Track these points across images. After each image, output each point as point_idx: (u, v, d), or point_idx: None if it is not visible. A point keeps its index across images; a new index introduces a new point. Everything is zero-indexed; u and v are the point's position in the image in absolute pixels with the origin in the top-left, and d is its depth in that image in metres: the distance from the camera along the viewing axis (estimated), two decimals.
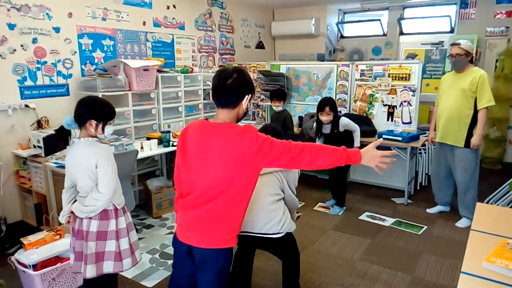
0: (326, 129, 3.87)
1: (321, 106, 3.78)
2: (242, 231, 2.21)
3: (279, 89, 4.67)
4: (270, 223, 2.23)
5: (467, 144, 3.50)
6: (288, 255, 2.43)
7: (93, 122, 2.01)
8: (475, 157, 3.57)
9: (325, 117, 3.77)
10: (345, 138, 3.86)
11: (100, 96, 3.62)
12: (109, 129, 2.10)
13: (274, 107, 4.43)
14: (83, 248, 2.06)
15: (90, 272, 2.05)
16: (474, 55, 3.55)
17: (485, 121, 3.48)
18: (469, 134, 3.49)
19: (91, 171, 2.00)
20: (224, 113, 1.64)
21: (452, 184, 3.86)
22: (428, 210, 4.06)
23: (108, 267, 2.09)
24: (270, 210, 2.24)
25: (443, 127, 3.63)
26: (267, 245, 2.35)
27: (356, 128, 3.88)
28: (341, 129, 3.83)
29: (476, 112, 3.47)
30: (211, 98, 1.67)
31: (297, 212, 2.53)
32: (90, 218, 2.05)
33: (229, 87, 1.59)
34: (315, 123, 4.00)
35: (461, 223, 3.71)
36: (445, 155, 3.76)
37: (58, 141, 2.10)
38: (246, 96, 1.64)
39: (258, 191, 2.03)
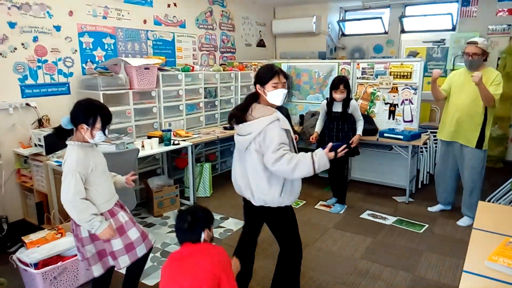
0: (338, 107, 3.90)
1: (335, 84, 3.81)
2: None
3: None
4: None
5: (479, 145, 3.46)
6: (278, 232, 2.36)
7: (84, 126, 2.00)
8: (483, 156, 3.54)
9: (339, 95, 3.81)
10: (348, 122, 3.92)
11: (101, 95, 3.63)
12: (100, 135, 2.04)
13: None
14: (83, 253, 2.11)
15: (97, 271, 2.12)
16: (488, 53, 3.45)
17: (486, 95, 3.25)
18: (482, 135, 3.44)
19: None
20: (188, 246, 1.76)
21: (456, 184, 3.87)
22: (429, 209, 4.06)
23: (111, 260, 2.15)
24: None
25: (456, 126, 3.55)
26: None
27: (361, 118, 3.96)
28: (350, 110, 3.88)
29: (486, 112, 3.41)
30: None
31: None
32: (79, 224, 2.05)
33: (187, 230, 1.74)
34: (324, 101, 4.02)
35: (463, 221, 3.71)
36: (453, 154, 3.72)
37: (58, 140, 2.09)
38: (203, 233, 1.75)
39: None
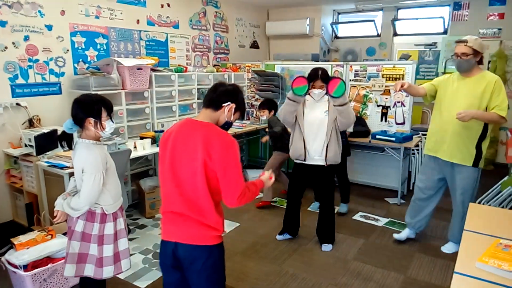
0: None
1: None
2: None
3: (264, 100, 4.42)
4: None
5: (476, 162, 2.93)
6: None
7: (92, 120, 1.97)
8: (478, 175, 3.01)
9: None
10: None
11: (98, 94, 3.60)
12: (110, 124, 2.04)
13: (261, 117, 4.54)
14: (66, 246, 2.05)
15: (68, 271, 2.02)
16: (483, 54, 2.88)
17: (488, 119, 2.84)
18: (479, 151, 2.92)
19: (80, 173, 1.97)
20: (206, 112, 1.73)
21: (433, 207, 3.31)
22: (395, 236, 3.45)
23: (89, 270, 2.05)
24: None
25: (449, 143, 2.96)
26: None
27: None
28: None
29: (486, 125, 2.90)
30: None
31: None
32: (77, 217, 2.01)
33: (218, 89, 1.74)
34: None
35: (448, 248, 3.26)
36: (439, 172, 3.14)
37: (61, 146, 2.04)
38: (229, 103, 1.72)
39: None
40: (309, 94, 3.11)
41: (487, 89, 2.81)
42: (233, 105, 1.74)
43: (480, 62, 2.89)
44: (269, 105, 4.30)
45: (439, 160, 3.08)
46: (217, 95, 1.73)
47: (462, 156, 2.95)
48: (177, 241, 1.69)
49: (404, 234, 3.44)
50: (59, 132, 3.34)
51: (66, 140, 2.03)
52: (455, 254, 1.65)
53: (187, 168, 1.64)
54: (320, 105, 3.11)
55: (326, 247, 3.30)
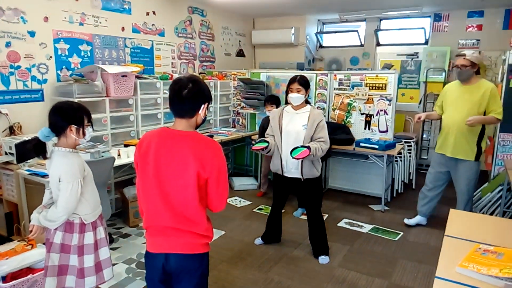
0: None
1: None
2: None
3: (271, 95, 4.88)
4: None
5: (477, 157, 3.43)
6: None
7: (74, 128, 1.95)
8: (478, 167, 3.51)
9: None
10: None
11: (76, 101, 3.55)
12: (90, 131, 2.04)
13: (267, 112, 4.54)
14: (45, 259, 2.00)
15: (49, 285, 1.98)
16: (479, 66, 3.39)
17: (489, 122, 3.38)
18: (479, 148, 3.41)
19: (57, 182, 1.94)
20: (182, 122, 1.65)
21: (439, 196, 3.82)
22: (406, 221, 3.97)
23: (70, 282, 2.01)
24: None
25: (454, 142, 3.44)
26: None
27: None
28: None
29: (484, 126, 3.41)
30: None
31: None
32: (56, 228, 1.97)
33: (185, 97, 1.59)
34: None
35: None
36: (446, 167, 3.63)
37: (37, 155, 2.00)
38: (203, 106, 1.65)
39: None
40: (289, 104, 3.17)
41: (485, 96, 3.29)
42: (207, 104, 1.67)
43: (477, 72, 3.36)
44: (276, 100, 4.51)
45: (446, 157, 3.56)
46: (188, 103, 1.61)
47: (465, 152, 3.43)
48: (168, 251, 1.63)
49: (414, 220, 3.93)
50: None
51: (41, 149, 1.97)
52: (437, 259, 1.68)
53: (176, 182, 1.58)
54: (300, 117, 3.11)
55: (323, 260, 3.22)
